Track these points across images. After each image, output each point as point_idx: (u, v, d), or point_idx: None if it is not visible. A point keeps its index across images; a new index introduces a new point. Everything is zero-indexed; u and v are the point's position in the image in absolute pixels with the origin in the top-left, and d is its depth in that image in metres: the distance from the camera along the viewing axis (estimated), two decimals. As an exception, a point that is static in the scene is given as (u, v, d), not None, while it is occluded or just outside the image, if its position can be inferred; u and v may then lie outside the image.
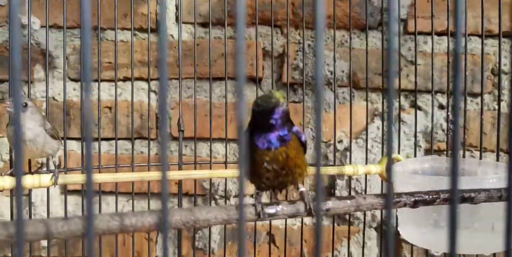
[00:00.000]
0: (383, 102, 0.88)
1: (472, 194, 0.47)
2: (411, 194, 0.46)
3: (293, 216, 0.43)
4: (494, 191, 0.48)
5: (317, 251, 0.25)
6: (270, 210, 0.42)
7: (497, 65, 0.98)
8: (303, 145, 0.47)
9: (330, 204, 0.44)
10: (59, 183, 0.59)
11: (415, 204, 0.46)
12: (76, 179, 0.61)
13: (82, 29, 0.27)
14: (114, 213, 0.36)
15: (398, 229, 0.66)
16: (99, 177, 0.60)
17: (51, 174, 0.60)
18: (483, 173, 0.65)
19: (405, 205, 0.45)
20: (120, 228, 0.34)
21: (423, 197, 0.46)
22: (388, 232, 0.25)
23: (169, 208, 0.39)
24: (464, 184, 0.54)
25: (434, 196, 0.46)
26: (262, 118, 0.44)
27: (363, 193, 0.92)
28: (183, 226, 0.37)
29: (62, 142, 0.71)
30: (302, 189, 0.46)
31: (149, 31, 0.86)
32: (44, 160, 0.67)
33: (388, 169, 0.23)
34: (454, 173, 0.33)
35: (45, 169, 0.69)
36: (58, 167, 0.64)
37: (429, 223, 0.59)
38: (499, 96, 0.88)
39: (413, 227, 0.62)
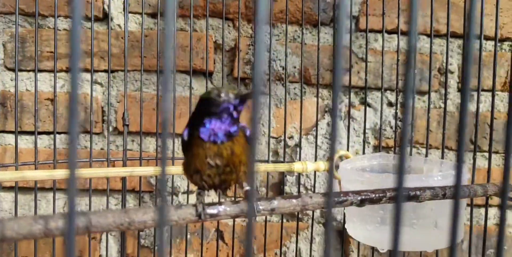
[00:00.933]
0: (333, 99, 0.88)
1: (418, 192, 0.47)
2: (358, 192, 0.46)
3: (236, 216, 0.41)
4: (439, 189, 0.48)
5: (247, 252, 0.23)
6: (212, 210, 0.40)
7: (444, 64, 1.00)
8: (248, 141, 0.45)
9: (276, 203, 0.42)
10: (-14, 180, 0.54)
11: (361, 203, 0.45)
12: (5, 176, 0.57)
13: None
14: (39, 216, 0.33)
15: (345, 226, 0.66)
16: (32, 174, 0.56)
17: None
18: (429, 171, 0.66)
19: (351, 203, 0.45)
20: (44, 232, 0.31)
21: (370, 195, 0.46)
22: (329, 231, 0.23)
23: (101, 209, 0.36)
24: (410, 182, 0.55)
25: (380, 195, 0.46)
26: (211, 110, 0.42)
27: (312, 189, 0.91)
28: (116, 229, 0.35)
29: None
30: (247, 187, 0.44)
31: (92, 20, 0.81)
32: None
33: (330, 170, 0.22)
34: (400, 172, 0.32)
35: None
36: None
37: (375, 220, 0.59)
38: (445, 94, 0.90)
39: (359, 224, 0.62)
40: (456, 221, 0.32)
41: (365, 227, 0.60)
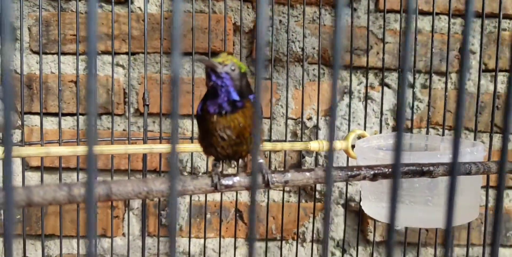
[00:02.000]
0: (350, 80, 0.88)
1: (431, 168, 0.48)
2: (371, 167, 0.46)
3: (250, 187, 0.43)
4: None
5: (251, 226, 0.24)
6: (227, 181, 0.41)
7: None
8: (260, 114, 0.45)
9: (289, 176, 0.43)
10: (13, 155, 0.56)
11: (374, 177, 0.46)
12: (30, 151, 0.59)
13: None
14: (63, 183, 0.34)
15: (361, 203, 0.67)
16: (56, 150, 0.58)
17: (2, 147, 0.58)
18: (445, 149, 0.66)
19: (364, 178, 0.46)
20: (68, 199, 0.33)
21: (382, 170, 0.46)
22: (326, 204, 0.24)
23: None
24: (425, 158, 0.55)
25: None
26: (210, 80, 0.43)
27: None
28: (135, 197, 0.36)
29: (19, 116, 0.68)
30: (260, 160, 0.45)
31: (113, 3, 0.83)
32: None
33: (330, 149, 0.22)
34: (397, 148, 0.32)
35: None
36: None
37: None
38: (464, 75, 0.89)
39: (374, 201, 0.62)
40: (453, 195, 0.33)
41: (380, 204, 0.61)
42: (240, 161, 0.51)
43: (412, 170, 0.47)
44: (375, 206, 0.62)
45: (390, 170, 0.46)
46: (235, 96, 0.43)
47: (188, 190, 0.39)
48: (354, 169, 0.45)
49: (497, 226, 0.36)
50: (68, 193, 0.33)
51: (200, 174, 0.98)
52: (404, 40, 0.30)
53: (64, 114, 0.95)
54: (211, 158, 0.46)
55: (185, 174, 0.98)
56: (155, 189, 0.37)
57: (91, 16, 0.26)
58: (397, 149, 0.31)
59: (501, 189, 0.36)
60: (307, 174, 0.44)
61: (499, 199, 0.37)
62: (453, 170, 0.31)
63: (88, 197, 0.23)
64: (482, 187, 0.83)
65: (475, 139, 0.76)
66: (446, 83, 0.83)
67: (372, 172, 0.46)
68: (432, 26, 0.83)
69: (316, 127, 0.92)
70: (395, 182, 0.31)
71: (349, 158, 0.75)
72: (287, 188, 0.98)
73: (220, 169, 0.44)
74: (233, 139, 0.43)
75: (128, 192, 0.36)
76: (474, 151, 0.58)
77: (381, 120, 0.83)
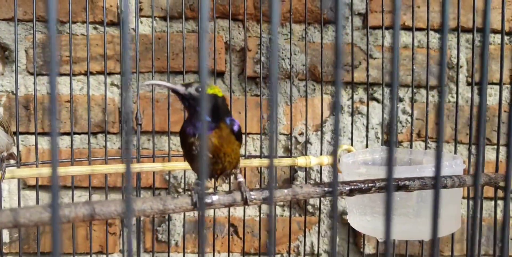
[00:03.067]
0: (336, 96, 0.90)
1: (407, 182, 0.49)
2: (347, 182, 0.48)
3: (229, 205, 0.44)
4: (428, 179, 0.50)
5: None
6: (207, 199, 0.43)
7: (453, 58, 1.00)
8: (236, 135, 0.48)
9: (267, 193, 0.45)
10: (7, 177, 0.59)
11: (350, 192, 0.48)
12: (23, 173, 0.61)
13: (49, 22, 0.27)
14: (48, 204, 0.36)
15: (347, 217, 0.68)
16: (48, 171, 0.60)
17: (-1, 168, 0.60)
18: (428, 162, 0.68)
19: (341, 193, 0.47)
20: (50, 219, 0.35)
21: (359, 185, 0.48)
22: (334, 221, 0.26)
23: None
24: (404, 173, 0.57)
25: (370, 185, 0.48)
26: (189, 105, 0.46)
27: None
28: (118, 217, 0.38)
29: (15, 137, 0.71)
30: (240, 179, 0.47)
31: (105, 24, 0.86)
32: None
33: (334, 164, 0.24)
34: (389, 163, 0.34)
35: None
36: (5, 160, 0.64)
37: (374, 210, 0.61)
38: (457, 89, 0.90)
39: (358, 215, 0.64)
40: (437, 209, 0.34)
41: (364, 217, 0.63)
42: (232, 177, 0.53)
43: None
44: (359, 219, 0.64)
45: (366, 185, 0.48)
46: (206, 118, 0.45)
47: (169, 208, 0.41)
48: (331, 185, 0.47)
49: (474, 237, 0.38)
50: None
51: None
52: (392, 55, 0.32)
53: (61, 134, 0.98)
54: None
55: (180, 190, 0.99)
56: (137, 208, 0.39)
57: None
58: (389, 164, 0.32)
59: (476, 201, 0.38)
60: (285, 191, 0.45)
61: (475, 211, 0.39)
62: (436, 183, 0.33)
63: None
64: (464, 198, 0.85)
65: (455, 152, 0.77)
66: (427, 97, 0.85)
67: (348, 188, 0.48)
68: (413, 42, 0.86)
69: (306, 142, 0.94)
70: (388, 196, 0.32)
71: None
72: (280, 203, 0.99)
73: (199, 188, 0.46)
74: (209, 158, 0.45)
75: (111, 211, 0.38)
76: (453, 164, 0.59)
77: (367, 135, 0.85)
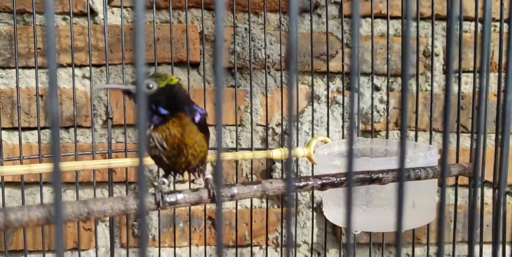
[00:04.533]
0: (312, 85, 0.89)
1: (381, 175, 0.49)
2: (319, 177, 0.47)
3: (196, 203, 0.43)
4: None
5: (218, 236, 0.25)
6: (171, 198, 0.42)
7: (429, 47, 1.00)
8: (200, 127, 0.45)
9: (235, 190, 0.44)
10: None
11: (322, 187, 0.47)
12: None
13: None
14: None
15: (323, 209, 0.68)
16: (9, 170, 0.58)
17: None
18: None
19: (312, 188, 0.46)
20: (4, 224, 0.33)
21: (331, 179, 0.47)
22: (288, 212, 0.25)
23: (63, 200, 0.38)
24: (379, 165, 0.56)
25: (342, 178, 0.47)
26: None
27: (300, 174, 0.93)
28: (76, 219, 0.36)
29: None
30: (208, 176, 0.45)
31: (71, 15, 0.83)
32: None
33: (289, 158, 0.23)
34: (349, 156, 0.33)
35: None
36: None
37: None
38: (432, 77, 0.90)
39: (334, 207, 0.63)
40: (401, 202, 0.33)
41: (339, 210, 0.62)
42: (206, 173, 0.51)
43: (362, 178, 0.48)
44: (334, 212, 0.63)
45: (338, 179, 0.47)
46: (162, 111, 0.44)
47: (131, 209, 0.39)
48: (302, 179, 0.46)
49: (442, 226, 0.37)
50: (4, 219, 0.33)
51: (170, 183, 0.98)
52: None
53: (30, 128, 0.95)
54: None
55: (156, 183, 0.97)
56: (96, 209, 0.37)
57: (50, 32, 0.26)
58: (349, 156, 0.31)
59: (443, 191, 0.37)
60: (254, 187, 0.44)
61: (442, 200, 0.38)
62: (401, 175, 0.32)
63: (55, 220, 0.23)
64: (450, 186, 0.85)
65: (430, 141, 0.77)
66: (402, 86, 0.84)
67: (320, 182, 0.47)
68: (387, 30, 0.85)
69: (283, 133, 0.92)
70: (349, 190, 0.31)
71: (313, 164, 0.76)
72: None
73: (167, 184, 0.44)
74: (168, 150, 0.43)
75: (68, 214, 0.36)
76: (428, 155, 0.59)
77: (342, 126, 0.84)
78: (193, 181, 0.98)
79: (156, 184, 0.98)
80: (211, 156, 0.49)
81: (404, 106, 0.35)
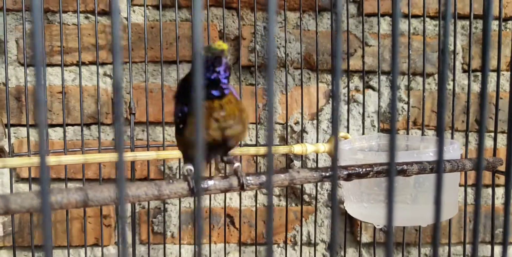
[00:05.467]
0: (332, 84, 0.89)
1: (405, 167, 0.49)
2: (344, 167, 0.47)
3: (226, 190, 0.44)
4: (426, 163, 0.49)
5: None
6: (202, 185, 0.42)
7: (449, 46, 1.00)
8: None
9: (264, 178, 0.44)
10: (-1, 166, 0.58)
11: (348, 177, 0.47)
12: (15, 162, 0.60)
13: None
14: (39, 191, 0.35)
15: (344, 204, 0.68)
16: (38, 160, 0.59)
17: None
18: (425, 148, 0.67)
19: (338, 178, 0.47)
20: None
21: (357, 170, 0.47)
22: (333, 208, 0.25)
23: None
24: (403, 158, 0.56)
25: (367, 169, 0.48)
26: (208, 67, 0.43)
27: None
28: (112, 203, 0.37)
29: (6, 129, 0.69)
30: (236, 164, 0.46)
31: (96, 13, 0.84)
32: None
33: (335, 146, 0.23)
34: (392, 147, 0.33)
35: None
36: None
37: (371, 197, 0.60)
38: (454, 75, 0.90)
39: (356, 202, 0.63)
40: (440, 192, 0.33)
41: (361, 204, 0.62)
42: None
43: (386, 169, 0.48)
44: (356, 207, 0.63)
45: (364, 169, 0.47)
46: (226, 83, 0.44)
47: (164, 194, 0.40)
48: (328, 169, 0.46)
49: (477, 223, 0.37)
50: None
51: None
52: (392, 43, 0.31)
53: (53, 126, 0.96)
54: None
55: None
56: (131, 194, 0.38)
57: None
58: (391, 148, 0.31)
59: (479, 186, 0.37)
60: (282, 175, 0.45)
61: (477, 195, 0.38)
62: (439, 166, 0.32)
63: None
64: (461, 186, 0.84)
65: (452, 137, 0.77)
66: (423, 85, 0.84)
67: (346, 172, 0.47)
68: (409, 29, 0.85)
69: (302, 131, 0.93)
70: (390, 181, 0.30)
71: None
72: (276, 193, 0.99)
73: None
74: (228, 120, 0.43)
75: (105, 197, 0.37)
76: (450, 149, 0.59)
77: (363, 123, 0.84)
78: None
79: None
80: (252, 149, 0.50)
81: (442, 101, 0.34)
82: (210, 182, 0.43)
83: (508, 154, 0.42)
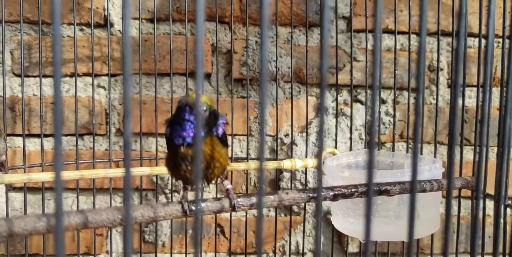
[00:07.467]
0: (321, 97, 0.91)
1: (388, 187, 0.51)
2: (331, 188, 0.50)
3: (218, 211, 0.46)
4: (408, 183, 0.52)
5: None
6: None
7: (434, 61, 1.03)
8: (222, 140, 0.49)
9: (254, 199, 0.47)
10: (-3, 182, 0.59)
11: (334, 198, 0.50)
12: (12, 178, 0.62)
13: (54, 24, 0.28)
14: (42, 214, 0.37)
15: (331, 219, 0.70)
16: (38, 176, 0.61)
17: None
18: (409, 166, 0.70)
19: (325, 198, 0.49)
20: (46, 229, 0.36)
21: (342, 191, 0.50)
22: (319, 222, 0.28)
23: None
24: (386, 177, 0.59)
25: (352, 190, 0.50)
26: (179, 116, 0.46)
27: (308, 184, 0.96)
28: (111, 225, 0.39)
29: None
30: (228, 186, 0.48)
31: (92, 26, 0.86)
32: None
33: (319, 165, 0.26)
34: (370, 168, 0.36)
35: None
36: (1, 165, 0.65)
37: (356, 213, 0.63)
38: (437, 91, 0.93)
39: (342, 217, 0.66)
40: (413, 214, 0.36)
41: (348, 219, 0.65)
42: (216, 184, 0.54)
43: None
44: (343, 221, 0.66)
45: (349, 190, 0.50)
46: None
47: (160, 216, 0.42)
48: (316, 190, 0.49)
49: (447, 236, 0.40)
50: (47, 224, 0.36)
51: (181, 191, 1.01)
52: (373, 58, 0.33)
53: (46, 136, 0.98)
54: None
55: (167, 191, 1.00)
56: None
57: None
58: (370, 167, 0.34)
59: (449, 202, 0.40)
60: (271, 197, 0.47)
61: (448, 211, 0.40)
62: (413, 188, 0.34)
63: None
64: (454, 198, 0.87)
65: (435, 153, 0.80)
66: (408, 99, 0.87)
67: (332, 193, 0.50)
68: (395, 45, 0.88)
69: (292, 143, 0.95)
70: (368, 200, 0.33)
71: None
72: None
73: (188, 195, 0.47)
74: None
75: (104, 220, 0.39)
76: (432, 168, 0.62)
77: (351, 137, 0.87)
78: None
79: (167, 191, 1.01)
80: (243, 164, 0.53)
81: (418, 120, 0.37)
82: (203, 204, 0.45)
83: (478, 171, 0.44)
